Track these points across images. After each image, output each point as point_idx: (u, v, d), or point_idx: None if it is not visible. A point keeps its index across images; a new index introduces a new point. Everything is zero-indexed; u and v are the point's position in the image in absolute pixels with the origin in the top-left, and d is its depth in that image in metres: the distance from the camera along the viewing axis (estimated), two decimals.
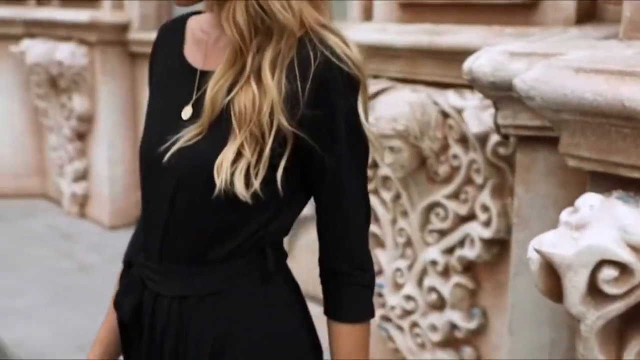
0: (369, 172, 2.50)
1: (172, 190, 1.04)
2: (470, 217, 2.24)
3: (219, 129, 1.00)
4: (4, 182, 5.08)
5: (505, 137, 1.73)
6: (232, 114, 0.99)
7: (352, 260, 1.07)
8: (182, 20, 1.18)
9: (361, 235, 1.09)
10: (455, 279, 2.31)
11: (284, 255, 1.16)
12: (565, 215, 1.00)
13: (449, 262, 2.32)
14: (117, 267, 1.36)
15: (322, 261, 1.11)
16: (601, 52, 1.29)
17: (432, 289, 2.38)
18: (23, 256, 4.02)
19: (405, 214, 2.43)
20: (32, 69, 4.67)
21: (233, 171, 0.97)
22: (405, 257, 2.46)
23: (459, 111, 2.18)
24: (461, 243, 2.27)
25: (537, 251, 0.98)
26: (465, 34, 2.18)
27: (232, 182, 0.97)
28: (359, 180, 1.06)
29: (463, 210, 2.25)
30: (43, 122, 4.99)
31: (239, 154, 0.97)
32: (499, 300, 2.25)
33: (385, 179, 2.48)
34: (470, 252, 2.24)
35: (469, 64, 1.38)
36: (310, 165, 1.02)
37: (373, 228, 2.52)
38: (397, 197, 2.45)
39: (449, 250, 2.32)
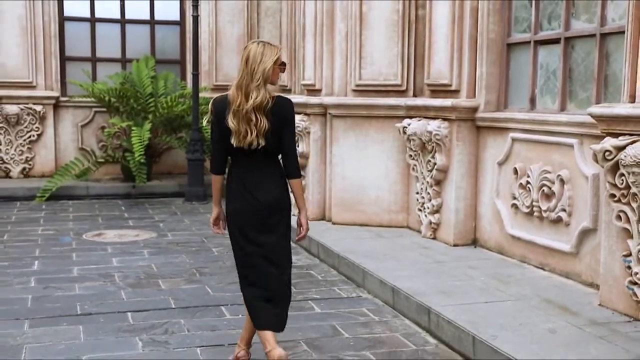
0: (624, 192, 4.17)
1: None
2: None
3: None
4: (383, 216, 7.48)
5: None
6: None
7: None
8: None
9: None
10: None
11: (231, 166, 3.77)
12: None
13: None
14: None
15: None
16: None
17: None
18: (400, 255, 6.25)
19: None
20: (409, 138, 7.00)
21: None
22: None
23: None
24: None
25: None
26: None
27: None
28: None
29: None
30: (411, 174, 7.27)
31: None
32: None
33: (634, 195, 4.10)
34: None
35: None
36: None
37: (625, 225, 4.17)
38: None
39: None
